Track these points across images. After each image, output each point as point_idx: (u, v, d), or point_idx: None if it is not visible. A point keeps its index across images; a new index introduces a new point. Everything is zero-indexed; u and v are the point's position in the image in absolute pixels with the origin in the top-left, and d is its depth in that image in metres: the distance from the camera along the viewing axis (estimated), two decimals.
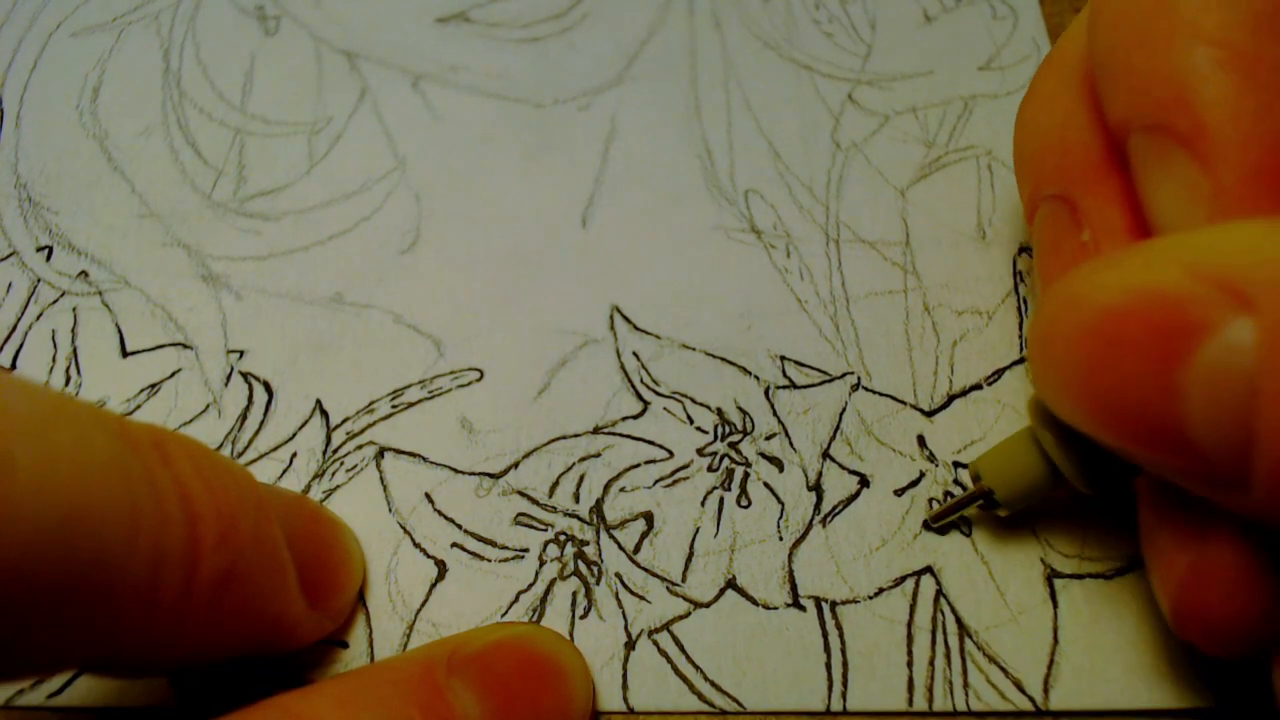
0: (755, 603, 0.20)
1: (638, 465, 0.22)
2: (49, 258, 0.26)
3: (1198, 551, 0.16)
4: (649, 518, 0.21)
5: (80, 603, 0.13)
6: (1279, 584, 0.15)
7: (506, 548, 0.21)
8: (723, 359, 0.23)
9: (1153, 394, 0.13)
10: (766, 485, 0.22)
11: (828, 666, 0.20)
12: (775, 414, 0.22)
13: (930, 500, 0.21)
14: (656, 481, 0.22)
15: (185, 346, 0.24)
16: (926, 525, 0.21)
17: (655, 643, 0.20)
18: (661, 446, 0.22)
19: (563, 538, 0.21)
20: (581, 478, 0.22)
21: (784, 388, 0.23)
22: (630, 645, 0.20)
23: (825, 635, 0.20)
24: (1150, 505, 0.17)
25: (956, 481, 0.22)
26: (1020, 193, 0.21)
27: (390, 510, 0.22)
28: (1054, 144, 0.19)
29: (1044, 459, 0.18)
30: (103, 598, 0.13)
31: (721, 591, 0.21)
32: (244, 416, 0.23)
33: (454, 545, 0.21)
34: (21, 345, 0.24)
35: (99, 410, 0.15)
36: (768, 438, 0.22)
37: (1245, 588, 0.15)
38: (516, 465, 0.22)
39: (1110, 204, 0.18)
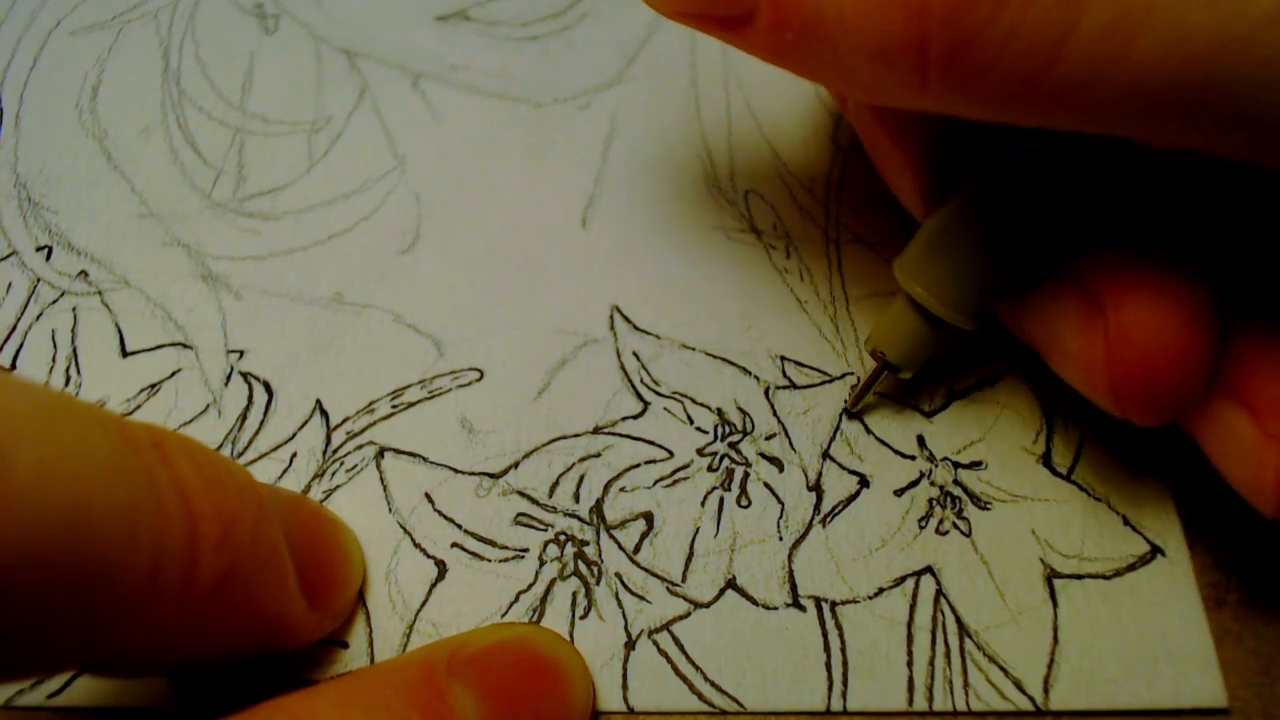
0: (755, 603, 0.20)
1: (638, 465, 0.22)
2: (49, 258, 0.26)
3: (1125, 302, 0.16)
4: (649, 518, 0.21)
5: (80, 602, 0.13)
6: (1208, 321, 0.16)
7: (506, 548, 0.21)
8: (723, 359, 0.23)
9: None
10: (766, 485, 0.22)
11: (828, 666, 0.20)
12: (775, 414, 0.22)
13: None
14: (656, 481, 0.22)
15: (185, 346, 0.24)
16: (847, 413, 0.22)
17: (655, 643, 0.20)
18: (661, 446, 0.22)
19: (563, 538, 0.21)
20: (581, 478, 0.22)
21: (784, 388, 0.23)
22: (630, 645, 0.20)
23: (825, 635, 0.20)
24: (1057, 296, 0.18)
25: (957, 481, 0.22)
26: None
27: (390, 510, 0.22)
28: None
29: (917, 311, 0.20)
30: (103, 597, 0.13)
31: (721, 591, 0.21)
32: (244, 416, 0.23)
33: (454, 545, 0.21)
34: (21, 345, 0.24)
35: (99, 410, 0.15)
36: (768, 438, 0.22)
37: (1180, 327, 0.16)
38: (516, 465, 0.22)
39: None
